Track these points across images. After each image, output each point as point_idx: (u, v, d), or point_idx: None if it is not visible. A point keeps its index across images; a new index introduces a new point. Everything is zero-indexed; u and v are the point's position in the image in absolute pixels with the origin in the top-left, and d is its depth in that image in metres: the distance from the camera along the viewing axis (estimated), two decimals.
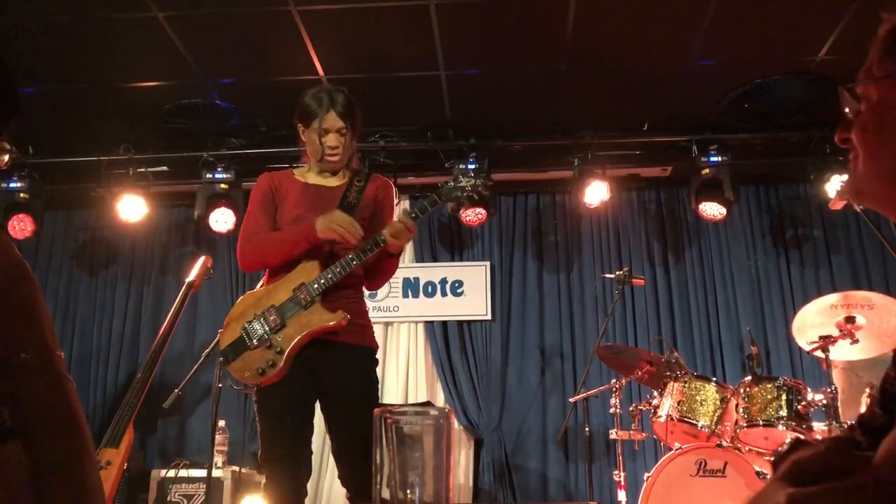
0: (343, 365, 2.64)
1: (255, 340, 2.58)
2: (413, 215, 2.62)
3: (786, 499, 0.59)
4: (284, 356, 2.55)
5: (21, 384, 1.11)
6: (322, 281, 2.59)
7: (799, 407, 3.54)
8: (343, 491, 2.67)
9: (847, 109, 0.94)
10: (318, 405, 2.71)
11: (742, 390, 3.67)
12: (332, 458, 3.15)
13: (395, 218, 2.69)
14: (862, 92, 0.91)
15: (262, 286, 2.78)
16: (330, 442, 2.73)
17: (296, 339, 2.57)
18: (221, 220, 5.32)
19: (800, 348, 4.18)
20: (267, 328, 2.58)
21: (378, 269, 2.77)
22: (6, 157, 1.20)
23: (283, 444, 2.60)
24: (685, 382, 3.79)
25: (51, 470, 1.11)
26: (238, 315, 2.65)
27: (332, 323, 2.57)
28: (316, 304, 2.59)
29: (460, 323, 5.70)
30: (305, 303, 2.58)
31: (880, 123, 0.90)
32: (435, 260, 5.86)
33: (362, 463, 2.44)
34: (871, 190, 0.94)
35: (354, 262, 2.60)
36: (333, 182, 2.80)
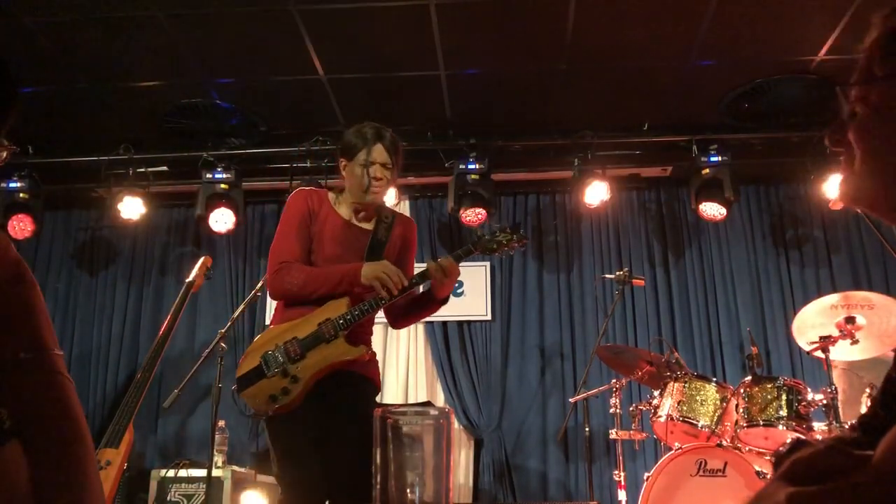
0: (350, 392, 2.65)
1: (272, 369, 2.58)
2: (455, 256, 2.70)
3: (786, 498, 0.59)
4: (301, 384, 2.55)
5: (20, 384, 1.10)
6: (348, 317, 2.60)
7: (799, 407, 3.54)
8: None
9: (844, 110, 0.93)
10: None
11: (742, 390, 3.67)
12: None
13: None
14: (862, 93, 0.91)
15: (274, 318, 2.76)
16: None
17: (315, 370, 2.57)
18: (221, 220, 5.31)
19: (800, 348, 4.18)
20: (286, 358, 2.58)
21: (418, 312, 2.82)
22: (4, 154, 1.19)
23: (300, 470, 2.57)
24: (685, 382, 3.79)
25: (50, 470, 1.11)
26: (259, 346, 2.64)
27: (353, 357, 2.60)
28: (340, 338, 2.60)
29: (460, 323, 5.70)
30: (329, 336, 2.59)
31: (881, 124, 0.89)
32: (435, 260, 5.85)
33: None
34: (867, 191, 0.92)
35: (384, 303, 2.63)
36: (368, 226, 2.81)
